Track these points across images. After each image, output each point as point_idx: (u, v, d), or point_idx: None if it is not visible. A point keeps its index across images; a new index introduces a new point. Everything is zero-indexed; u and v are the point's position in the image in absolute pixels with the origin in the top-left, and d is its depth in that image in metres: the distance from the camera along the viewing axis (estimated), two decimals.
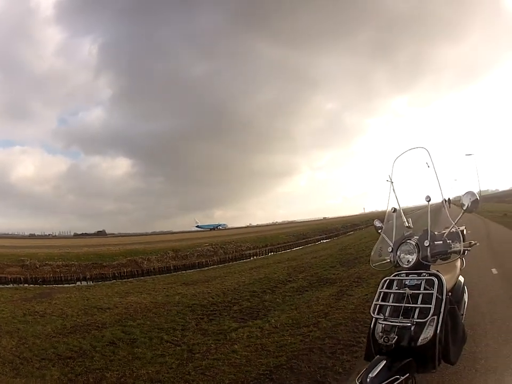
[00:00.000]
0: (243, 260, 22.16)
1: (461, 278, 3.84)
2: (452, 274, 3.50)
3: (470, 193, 2.93)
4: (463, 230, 3.21)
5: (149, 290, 10.82)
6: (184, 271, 17.99)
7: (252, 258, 22.69)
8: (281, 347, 4.80)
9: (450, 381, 3.27)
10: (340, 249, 18.00)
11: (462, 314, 3.66)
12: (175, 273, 17.42)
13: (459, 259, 3.52)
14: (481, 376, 3.27)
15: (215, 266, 19.51)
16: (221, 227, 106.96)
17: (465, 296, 4.05)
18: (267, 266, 14.61)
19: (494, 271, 7.25)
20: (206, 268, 18.80)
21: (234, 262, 20.68)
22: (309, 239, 33.46)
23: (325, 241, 30.71)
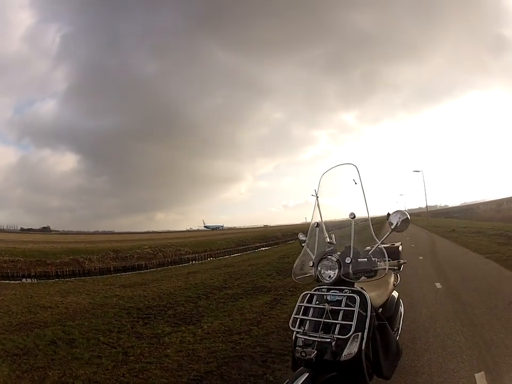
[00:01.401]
0: (182, 264, 21.99)
1: (395, 293, 3.97)
2: (383, 290, 3.61)
3: (400, 212, 3.02)
4: (398, 247, 3.31)
5: (89, 291, 10.72)
6: (123, 273, 17.81)
7: (190, 263, 22.56)
8: (212, 353, 4.92)
9: None
10: (278, 257, 18.30)
11: (397, 329, 3.82)
12: (114, 274, 17.19)
13: (392, 274, 3.66)
14: None
15: (153, 269, 19.30)
16: (220, 228, 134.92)
17: (401, 310, 4.19)
18: (204, 272, 14.61)
19: (438, 285, 7.54)
20: (145, 271, 18.66)
21: (172, 266, 20.49)
22: (249, 246, 33.74)
23: (264, 249, 31.03)
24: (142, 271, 18.22)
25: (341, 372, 2.66)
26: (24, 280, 15.43)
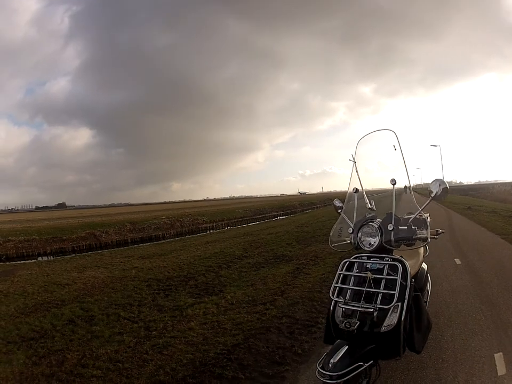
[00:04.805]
0: (199, 233, 22.03)
1: (424, 265, 3.84)
2: (415, 261, 3.49)
3: (439, 180, 2.85)
4: (425, 218, 3.16)
5: (106, 264, 10.56)
6: (141, 244, 17.74)
7: (208, 232, 22.56)
8: (237, 325, 4.76)
9: (416, 369, 3.27)
10: (297, 226, 18.15)
11: (425, 302, 3.68)
12: (132, 246, 17.12)
13: (422, 246, 3.49)
14: (449, 367, 3.27)
15: (171, 239, 19.25)
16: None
17: (429, 284, 4.07)
18: (223, 241, 14.52)
19: (458, 261, 7.41)
20: (163, 241, 18.57)
21: (190, 236, 20.47)
22: (266, 215, 33.75)
23: (281, 218, 30.92)
24: (160, 242, 18.09)
25: (378, 344, 2.56)
26: (40, 258, 15.31)
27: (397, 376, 3.17)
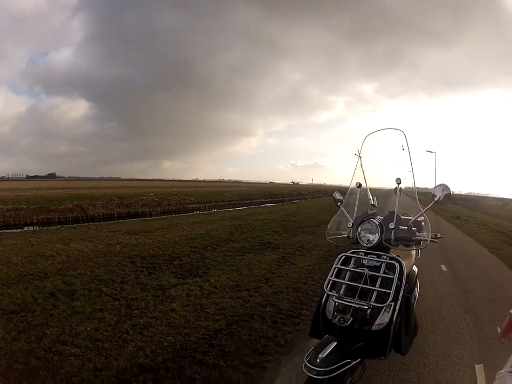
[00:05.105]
0: (186, 213, 21.91)
1: (415, 268, 3.82)
2: (407, 262, 3.45)
3: (443, 185, 2.79)
4: (421, 221, 3.13)
5: (92, 237, 10.42)
6: (127, 220, 17.62)
7: (195, 213, 22.51)
8: (220, 310, 4.71)
9: (398, 371, 3.26)
10: (284, 215, 18.16)
11: (413, 305, 3.66)
12: (118, 221, 16.97)
13: (419, 248, 3.46)
14: (430, 372, 3.28)
15: (158, 217, 19.10)
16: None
17: (417, 287, 4.06)
18: (210, 223, 14.46)
19: (444, 268, 7.46)
20: (149, 218, 18.40)
21: (177, 215, 20.39)
22: (254, 200, 33.72)
23: (269, 205, 30.93)
24: (146, 219, 17.95)
25: (367, 342, 2.52)
26: (26, 228, 15.09)
27: (379, 376, 3.15)
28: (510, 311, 1.70)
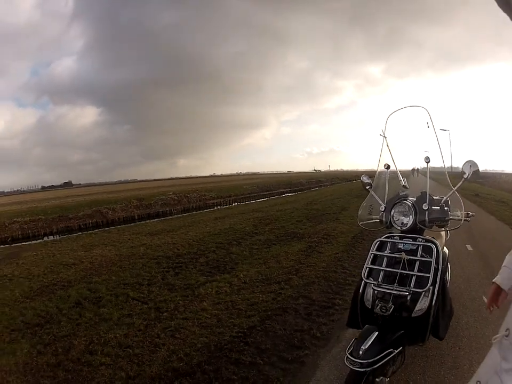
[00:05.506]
0: (207, 209, 21.85)
1: (446, 250, 3.67)
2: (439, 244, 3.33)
3: (471, 162, 2.67)
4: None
5: (114, 241, 10.38)
6: (148, 221, 17.52)
7: (215, 208, 22.41)
8: (252, 305, 4.59)
9: (435, 356, 3.15)
10: (306, 203, 17.95)
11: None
12: (139, 223, 16.88)
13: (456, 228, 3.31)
14: (465, 355, 3.16)
15: (179, 215, 19.06)
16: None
17: (448, 270, 3.93)
18: (232, 217, 14.37)
19: (469, 247, 7.23)
20: (170, 217, 18.31)
21: (198, 212, 20.33)
22: (273, 191, 33.46)
23: (289, 194, 30.73)
24: (167, 218, 17.83)
25: (407, 329, 2.43)
26: (46, 238, 14.94)
27: (417, 363, 3.05)
28: (493, 280, 1.71)
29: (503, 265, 1.66)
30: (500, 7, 1.01)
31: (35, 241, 13.78)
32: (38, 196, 47.46)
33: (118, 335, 3.95)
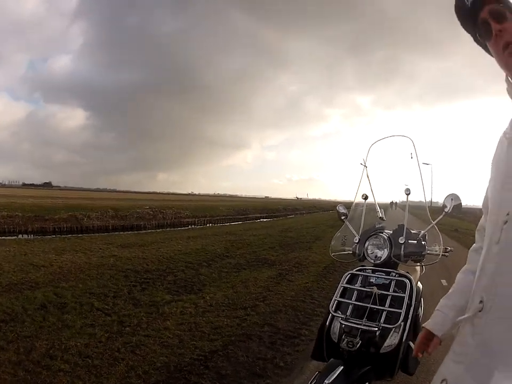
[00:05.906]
0: (181, 227, 21.68)
1: (420, 285, 3.66)
2: (413, 279, 3.30)
3: (453, 195, 2.62)
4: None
5: (85, 249, 10.25)
6: (122, 232, 17.38)
7: (190, 227, 22.26)
8: (216, 329, 4.53)
9: None
10: (280, 230, 17.98)
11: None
12: (112, 233, 16.74)
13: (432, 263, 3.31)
14: None
15: (152, 230, 18.89)
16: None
17: (422, 305, 3.92)
18: (205, 237, 14.27)
19: (444, 282, 7.30)
20: (144, 231, 18.19)
21: (172, 229, 20.15)
22: (249, 215, 33.48)
23: (264, 220, 30.78)
24: (141, 232, 17.73)
25: (375, 365, 2.34)
26: (20, 236, 14.89)
27: None
28: (423, 324, 1.65)
29: (436, 309, 1.62)
30: (463, 27, 1.04)
31: (9, 237, 13.62)
32: (17, 192, 46.28)
33: (79, 343, 3.87)
